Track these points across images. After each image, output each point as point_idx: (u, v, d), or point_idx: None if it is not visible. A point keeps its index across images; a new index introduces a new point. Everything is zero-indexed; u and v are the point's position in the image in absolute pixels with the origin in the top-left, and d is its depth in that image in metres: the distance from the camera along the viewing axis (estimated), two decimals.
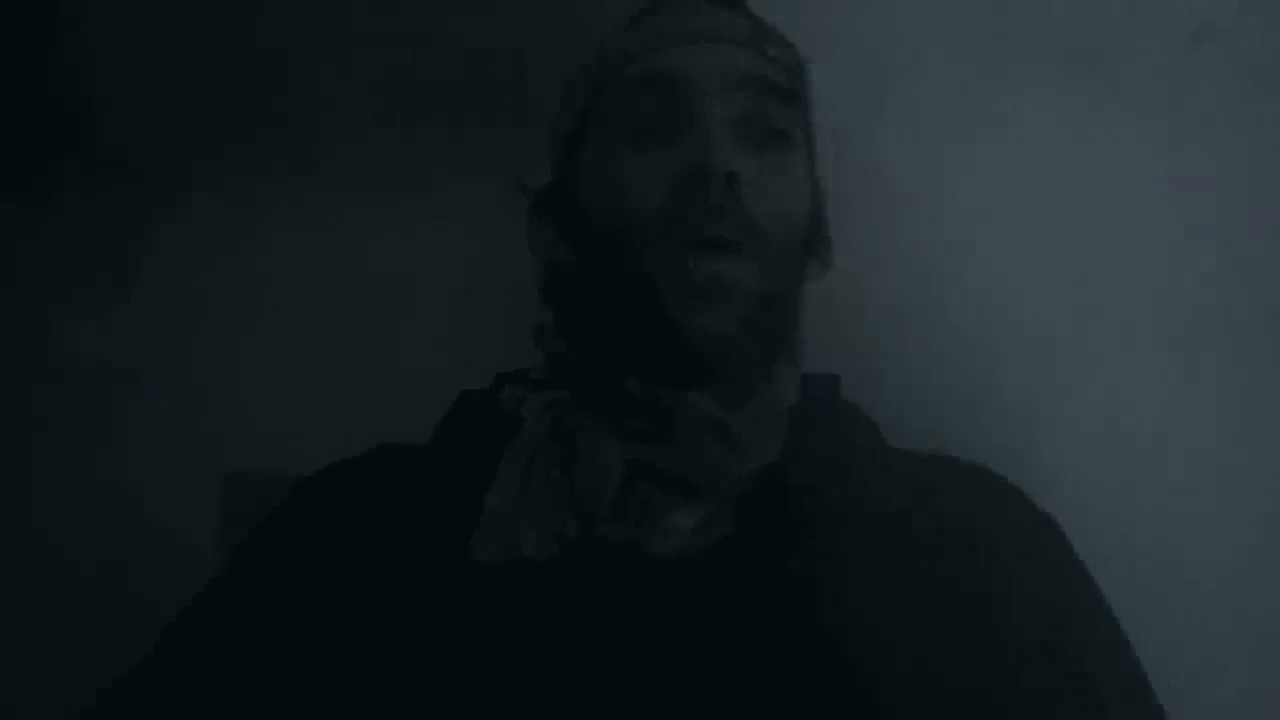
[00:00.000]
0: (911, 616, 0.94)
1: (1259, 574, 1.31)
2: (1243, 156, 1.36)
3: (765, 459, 1.00)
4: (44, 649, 1.34)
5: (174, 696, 1.00)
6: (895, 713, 0.91)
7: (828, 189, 1.10)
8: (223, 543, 1.32)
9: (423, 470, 1.04)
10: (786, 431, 1.02)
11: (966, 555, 0.98)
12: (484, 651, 0.92)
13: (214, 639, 1.01)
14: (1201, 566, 1.31)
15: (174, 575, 1.31)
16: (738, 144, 1.00)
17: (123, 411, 1.39)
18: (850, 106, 1.37)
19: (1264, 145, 1.35)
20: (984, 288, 1.36)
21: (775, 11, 1.37)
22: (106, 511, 1.37)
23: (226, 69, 1.43)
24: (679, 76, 1.01)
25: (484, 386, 1.12)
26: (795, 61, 1.09)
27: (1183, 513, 1.32)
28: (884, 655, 0.92)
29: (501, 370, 1.11)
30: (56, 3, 1.45)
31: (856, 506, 0.99)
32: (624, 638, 0.92)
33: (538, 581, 0.95)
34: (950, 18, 1.39)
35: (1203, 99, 1.37)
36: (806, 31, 1.37)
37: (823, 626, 0.93)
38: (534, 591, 0.94)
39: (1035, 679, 0.94)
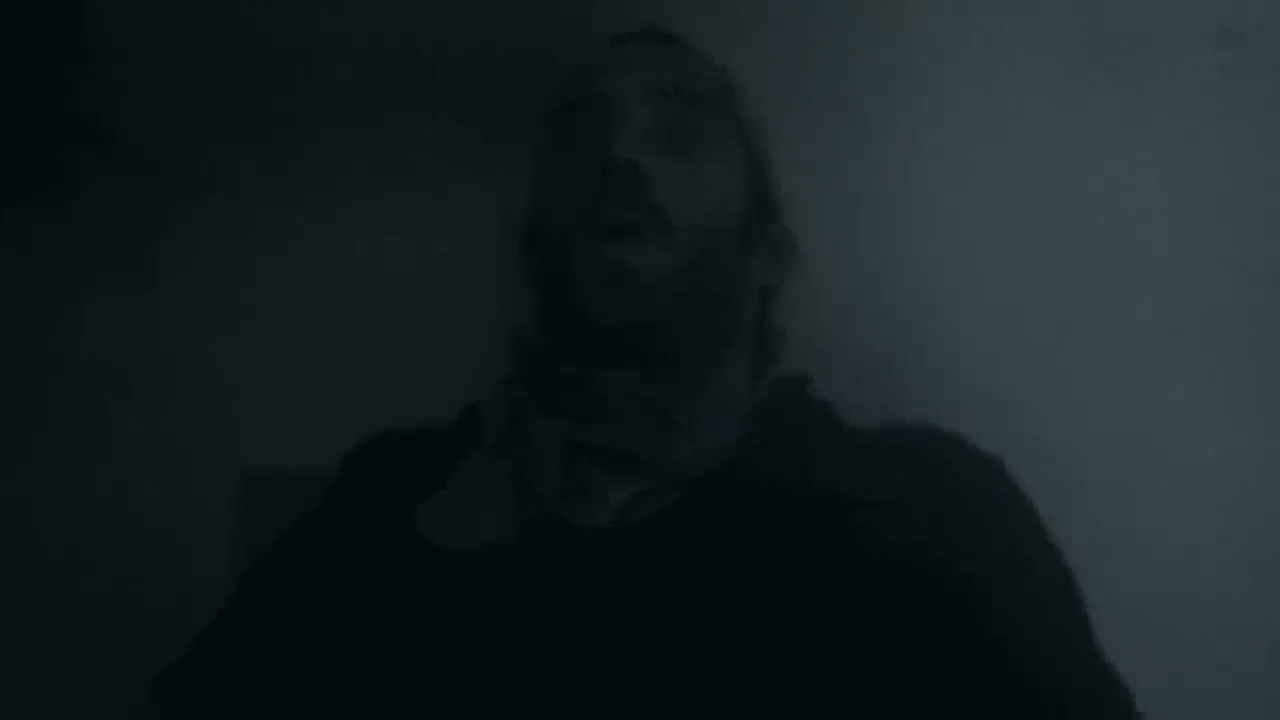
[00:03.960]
0: (831, 582, 0.98)
1: (1264, 572, 1.30)
2: (1262, 158, 1.35)
3: (714, 444, 1.05)
4: (56, 653, 1.34)
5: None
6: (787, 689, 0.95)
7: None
8: (240, 542, 1.32)
9: (425, 461, 1.10)
10: (749, 424, 1.09)
11: (897, 519, 1.01)
12: (441, 631, 0.99)
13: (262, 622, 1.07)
14: (1207, 566, 1.30)
15: (191, 572, 1.33)
16: (651, 145, 1.07)
17: (139, 410, 1.39)
18: (862, 105, 1.37)
19: None
20: (995, 288, 1.35)
21: (784, 12, 1.38)
22: (122, 511, 1.36)
23: (244, 70, 1.43)
24: (598, 93, 1.10)
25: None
26: (718, 76, 1.15)
27: (1189, 513, 1.31)
28: (782, 629, 0.96)
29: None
30: (76, 2, 1.45)
31: (795, 491, 1.03)
32: (563, 606, 0.98)
33: (500, 561, 1.01)
34: (966, 16, 1.38)
35: (1224, 100, 1.36)
36: (816, 31, 1.38)
37: (734, 603, 0.97)
38: (497, 571, 1.00)
39: (959, 636, 0.98)
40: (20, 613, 1.35)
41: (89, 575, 1.35)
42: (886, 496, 1.02)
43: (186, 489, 1.36)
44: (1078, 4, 1.38)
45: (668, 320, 1.05)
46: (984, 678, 0.98)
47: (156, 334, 1.40)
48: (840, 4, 1.39)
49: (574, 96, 1.12)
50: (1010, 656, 0.98)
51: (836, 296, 1.34)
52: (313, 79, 1.42)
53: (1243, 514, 1.31)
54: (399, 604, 1.01)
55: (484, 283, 1.36)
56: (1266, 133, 1.36)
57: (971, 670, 0.98)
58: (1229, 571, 1.30)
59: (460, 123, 1.40)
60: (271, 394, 1.38)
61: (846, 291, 1.35)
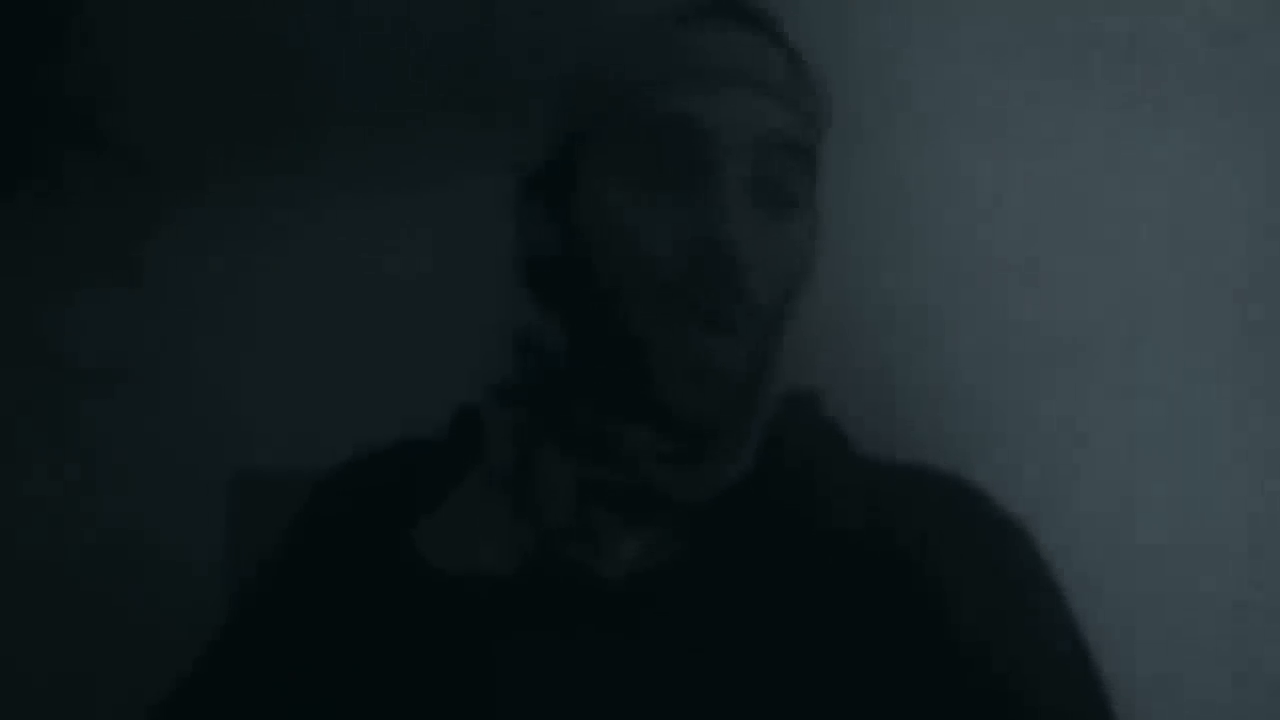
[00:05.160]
0: (844, 635, 0.94)
1: (1264, 572, 1.31)
2: (1262, 158, 1.36)
3: (730, 477, 1.00)
4: (47, 653, 1.34)
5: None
6: None
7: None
8: (231, 543, 1.31)
9: (419, 476, 1.06)
10: (759, 450, 1.03)
11: (911, 572, 0.97)
12: (439, 658, 0.95)
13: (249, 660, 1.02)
14: (1208, 566, 1.31)
15: (183, 573, 1.32)
16: (750, 209, 0.96)
17: (128, 410, 1.39)
18: (862, 105, 1.37)
19: None
20: (995, 288, 1.35)
21: (782, 11, 1.37)
22: (113, 512, 1.37)
23: (236, 65, 1.43)
24: (700, 127, 0.95)
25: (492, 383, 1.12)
26: (823, 111, 1.03)
27: (1189, 514, 1.32)
28: (806, 673, 0.93)
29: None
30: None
31: (809, 527, 0.99)
32: (572, 650, 0.94)
33: (498, 592, 0.96)
34: (966, 16, 1.38)
35: (1224, 100, 1.36)
36: (814, 28, 1.38)
37: (755, 649, 0.93)
38: (494, 602, 0.96)
39: (970, 692, 0.94)
40: (10, 613, 1.35)
41: (80, 576, 1.35)
42: (903, 546, 0.99)
43: (178, 489, 1.36)
44: (1078, 4, 1.37)
45: (734, 410, 0.98)
46: None
47: (148, 334, 1.40)
48: (840, 4, 1.38)
49: (660, 117, 0.96)
50: None
51: (837, 298, 1.34)
52: (308, 78, 1.42)
53: (1243, 514, 1.31)
54: (397, 627, 0.97)
55: (480, 284, 1.35)
56: (1266, 133, 1.36)
57: None
58: (1229, 571, 1.30)
59: (460, 124, 1.39)
60: (264, 394, 1.38)
61: (846, 292, 1.34)
